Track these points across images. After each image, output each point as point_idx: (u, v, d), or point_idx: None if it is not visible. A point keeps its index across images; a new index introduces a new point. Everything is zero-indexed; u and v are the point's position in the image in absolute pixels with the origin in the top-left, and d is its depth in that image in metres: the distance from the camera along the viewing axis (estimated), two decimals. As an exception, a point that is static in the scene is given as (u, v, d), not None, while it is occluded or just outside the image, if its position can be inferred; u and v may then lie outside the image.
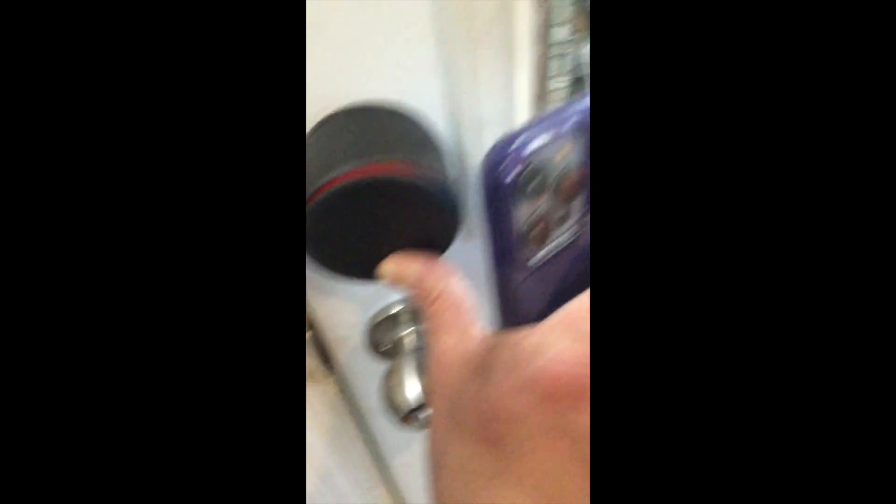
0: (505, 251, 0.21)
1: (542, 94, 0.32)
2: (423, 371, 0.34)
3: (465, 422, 0.20)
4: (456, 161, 0.28)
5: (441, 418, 0.21)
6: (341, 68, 0.24)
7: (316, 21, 0.22)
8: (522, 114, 0.26)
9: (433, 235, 0.25)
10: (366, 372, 0.41)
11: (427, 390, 0.23)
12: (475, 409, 0.19)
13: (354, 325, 0.37)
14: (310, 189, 0.22)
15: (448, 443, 0.20)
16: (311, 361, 0.37)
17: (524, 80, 0.25)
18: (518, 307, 0.22)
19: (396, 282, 0.25)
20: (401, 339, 0.37)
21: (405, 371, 0.34)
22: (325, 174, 0.22)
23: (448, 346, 0.22)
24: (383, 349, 0.38)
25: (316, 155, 0.24)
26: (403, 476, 0.53)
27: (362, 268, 0.26)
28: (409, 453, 0.50)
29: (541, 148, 0.20)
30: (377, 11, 0.22)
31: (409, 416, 0.34)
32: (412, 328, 0.37)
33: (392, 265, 0.25)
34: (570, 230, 0.23)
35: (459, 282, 0.24)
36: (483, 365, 0.20)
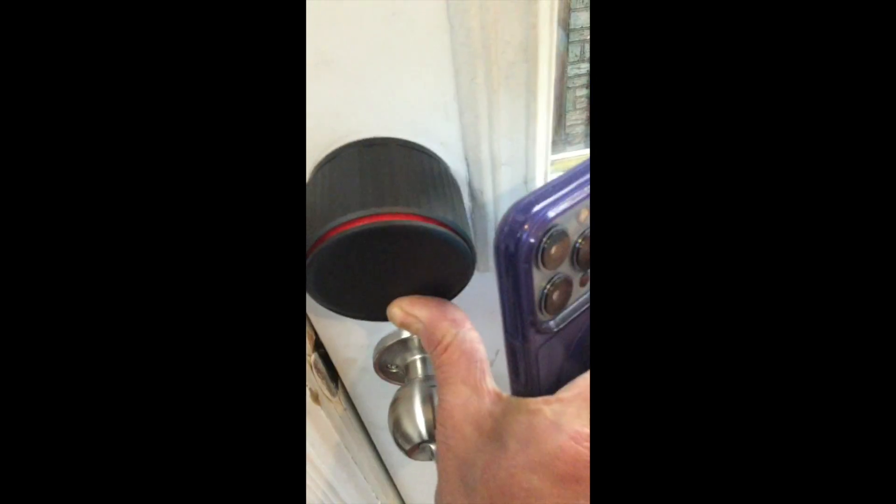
0: (524, 316, 0.20)
1: (559, 123, 0.30)
2: (432, 403, 0.33)
3: (477, 490, 0.19)
4: (470, 200, 0.27)
5: (451, 478, 0.21)
6: (354, 102, 0.23)
7: (330, 53, 0.21)
8: (541, 154, 0.25)
9: (445, 279, 0.24)
10: (373, 392, 0.41)
11: (437, 443, 0.22)
12: (488, 480, 0.19)
13: (363, 347, 0.36)
14: (315, 233, 0.21)
15: None
16: (318, 382, 0.37)
17: (544, 120, 0.24)
18: (534, 370, 0.21)
19: (404, 326, 0.25)
20: (411, 363, 0.36)
21: (413, 402, 0.33)
22: (331, 218, 0.21)
23: (459, 402, 0.21)
24: (392, 372, 0.38)
25: (322, 192, 0.23)
26: (409, 491, 0.53)
27: (372, 311, 0.25)
28: (414, 468, 0.50)
29: (563, 211, 0.19)
30: (394, 45, 0.21)
31: (415, 449, 0.33)
32: (423, 355, 0.36)
33: (399, 310, 0.24)
34: (589, 292, 0.22)
35: (471, 330, 0.23)
36: (497, 431, 0.19)
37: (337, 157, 0.24)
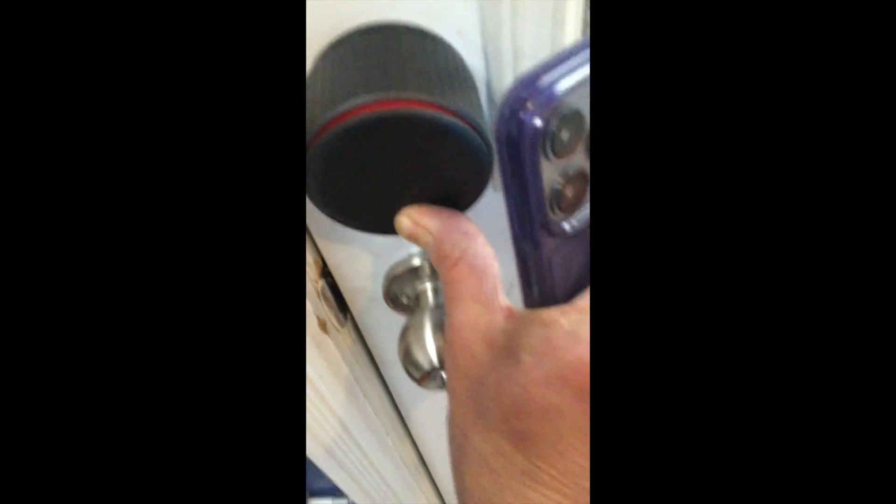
0: (533, 217, 0.17)
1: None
2: (442, 331, 0.31)
3: (490, 410, 0.17)
4: (487, 102, 0.25)
5: (462, 400, 0.19)
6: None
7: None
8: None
9: (458, 184, 0.22)
10: (383, 323, 0.39)
11: (446, 364, 0.21)
12: (502, 398, 0.17)
13: (372, 276, 0.35)
14: (314, 126, 0.19)
15: (471, 430, 0.18)
16: (326, 310, 0.35)
17: (574, 4, 0.21)
18: (548, 279, 0.19)
19: (412, 238, 0.23)
20: (422, 293, 0.35)
21: (424, 329, 0.31)
22: (331, 108, 0.19)
23: (469, 318, 0.20)
24: (402, 302, 0.36)
25: (325, 83, 0.20)
26: (419, 425, 0.52)
27: (375, 219, 0.23)
28: (425, 402, 0.49)
29: (576, 86, 0.16)
30: None
31: (426, 377, 0.32)
32: (434, 283, 0.35)
33: (407, 219, 0.22)
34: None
35: (484, 244, 0.21)
36: (510, 346, 0.18)
37: (340, 45, 0.21)
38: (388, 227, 0.24)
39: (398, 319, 0.38)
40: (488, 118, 0.24)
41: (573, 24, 0.22)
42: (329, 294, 0.36)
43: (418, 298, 0.35)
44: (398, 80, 0.19)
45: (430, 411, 0.50)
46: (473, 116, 0.20)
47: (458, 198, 0.23)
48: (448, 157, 0.20)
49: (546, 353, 0.16)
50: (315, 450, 0.44)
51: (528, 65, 0.23)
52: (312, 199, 0.22)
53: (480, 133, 0.20)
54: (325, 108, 0.19)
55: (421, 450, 0.57)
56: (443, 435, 0.21)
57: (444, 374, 0.31)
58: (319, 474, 0.49)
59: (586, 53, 0.16)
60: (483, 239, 0.22)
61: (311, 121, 0.19)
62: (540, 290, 0.20)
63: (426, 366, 0.31)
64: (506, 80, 0.23)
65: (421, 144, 0.20)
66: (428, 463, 0.60)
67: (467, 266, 0.20)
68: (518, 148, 0.16)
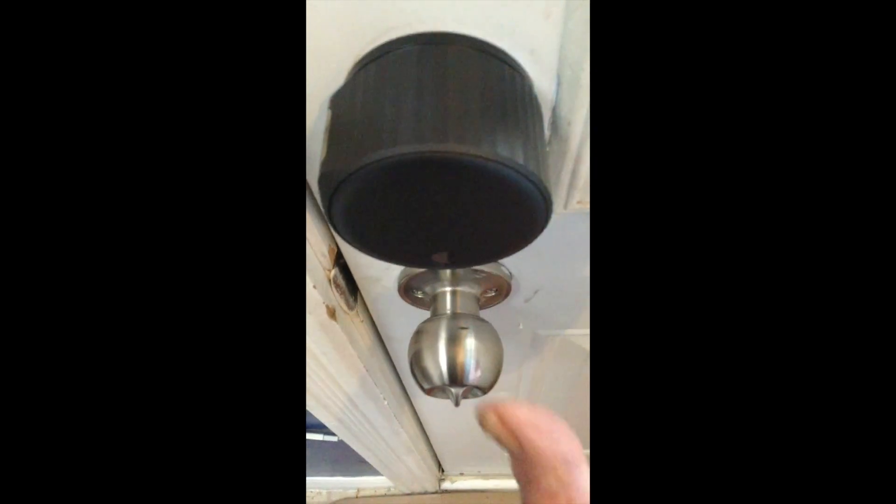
0: None
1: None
2: (457, 345, 0.29)
3: None
4: (549, 129, 0.21)
5: None
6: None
7: None
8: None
9: (510, 231, 0.19)
10: (393, 310, 0.37)
11: None
12: None
13: (388, 267, 0.32)
14: (351, 159, 0.16)
15: None
16: (336, 297, 0.33)
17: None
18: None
19: (498, 441, 0.20)
20: (440, 294, 0.32)
21: (439, 339, 0.29)
22: (374, 145, 0.16)
23: None
24: (417, 297, 0.34)
25: (364, 102, 0.17)
26: (424, 402, 0.52)
27: (406, 254, 0.20)
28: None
29: None
30: None
31: (437, 389, 0.30)
32: (454, 287, 0.32)
33: (495, 420, 0.20)
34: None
35: (584, 473, 0.19)
36: None
37: (387, 55, 0.17)
38: (419, 262, 0.21)
39: (409, 310, 0.36)
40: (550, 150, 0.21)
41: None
42: (341, 280, 0.33)
43: (436, 299, 0.33)
44: (454, 124, 0.15)
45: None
46: (532, 169, 0.16)
47: (507, 242, 0.20)
48: (501, 207, 0.17)
49: None
50: (323, 414, 0.44)
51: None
52: (338, 233, 0.19)
53: (537, 184, 0.17)
54: (364, 140, 0.16)
55: (424, 422, 0.57)
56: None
57: (453, 391, 0.30)
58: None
59: None
60: (586, 465, 0.19)
61: (346, 149, 0.16)
62: None
63: (437, 381, 0.29)
64: (578, 112, 0.19)
65: (479, 195, 0.17)
66: (425, 425, 0.61)
67: (550, 463, 0.19)
68: None
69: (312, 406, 0.43)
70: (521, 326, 0.40)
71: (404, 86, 0.17)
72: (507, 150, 0.16)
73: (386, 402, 0.49)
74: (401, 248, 0.20)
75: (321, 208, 0.22)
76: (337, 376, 0.39)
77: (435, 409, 0.58)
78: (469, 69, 0.17)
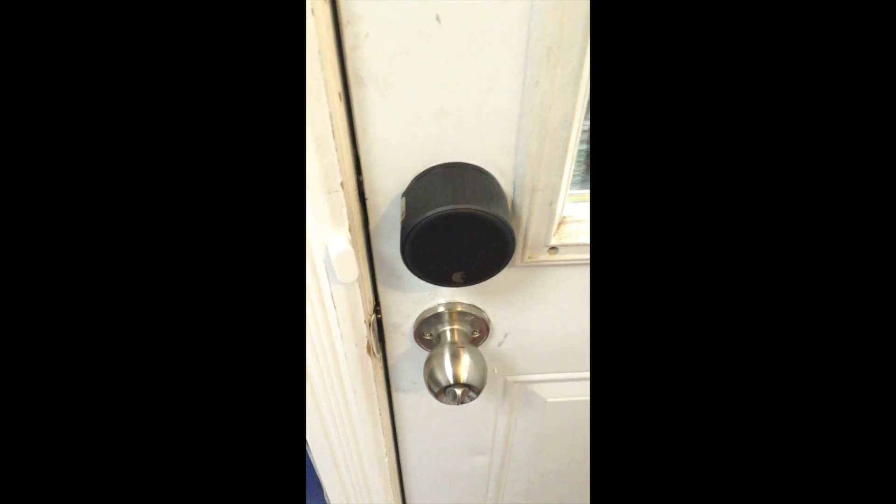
0: None
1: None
2: (456, 359, 0.44)
3: None
4: (512, 208, 0.40)
5: None
6: (440, 136, 0.36)
7: (448, 106, 0.34)
8: (564, 187, 0.37)
9: (494, 256, 0.36)
10: (406, 356, 0.52)
11: None
12: None
13: (407, 316, 0.48)
14: (413, 220, 0.34)
15: None
16: (372, 338, 0.48)
17: (569, 167, 0.36)
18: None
19: None
20: (443, 332, 0.48)
21: (444, 357, 0.45)
22: (423, 210, 0.33)
23: None
24: (426, 339, 0.49)
25: (417, 195, 0.35)
26: (408, 441, 0.63)
27: (442, 275, 0.37)
28: (414, 420, 0.60)
29: None
30: (474, 89, 0.34)
31: (443, 391, 0.44)
32: (451, 326, 0.48)
33: None
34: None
35: None
36: None
37: (428, 174, 0.36)
38: (445, 281, 0.38)
39: (417, 354, 0.51)
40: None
41: (567, 177, 0.37)
42: (375, 327, 0.49)
43: (440, 336, 0.48)
44: (470, 196, 0.34)
45: (417, 426, 0.62)
46: (505, 218, 0.35)
47: (493, 264, 0.37)
48: (490, 240, 0.35)
49: None
50: (318, 442, 0.55)
51: (540, 196, 0.38)
52: (407, 265, 0.36)
53: (507, 227, 0.35)
54: (418, 211, 0.34)
55: (401, 453, 0.68)
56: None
57: (456, 391, 0.44)
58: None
59: None
60: None
61: (411, 217, 0.34)
62: None
63: (444, 382, 0.44)
64: (524, 201, 0.38)
65: (477, 231, 0.34)
66: (402, 462, 0.70)
67: None
68: None
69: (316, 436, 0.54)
70: (495, 370, 0.55)
71: (443, 183, 0.35)
72: (492, 209, 0.34)
73: (387, 460, 0.60)
74: (436, 271, 0.37)
75: (400, 249, 0.38)
76: (354, 410, 0.52)
77: (416, 462, 0.68)
78: (470, 176, 0.36)
